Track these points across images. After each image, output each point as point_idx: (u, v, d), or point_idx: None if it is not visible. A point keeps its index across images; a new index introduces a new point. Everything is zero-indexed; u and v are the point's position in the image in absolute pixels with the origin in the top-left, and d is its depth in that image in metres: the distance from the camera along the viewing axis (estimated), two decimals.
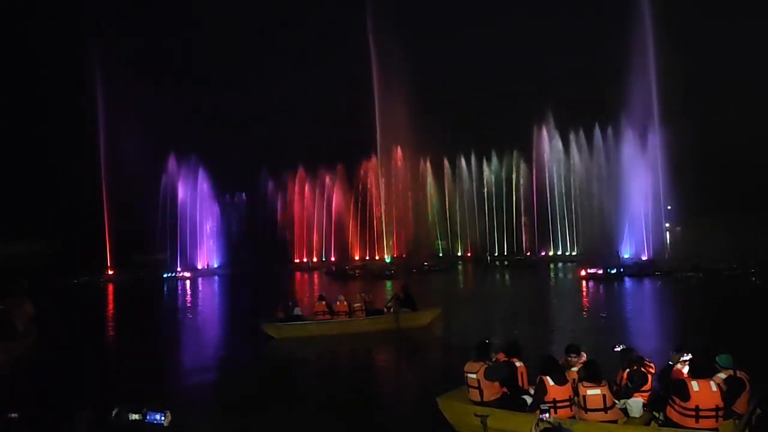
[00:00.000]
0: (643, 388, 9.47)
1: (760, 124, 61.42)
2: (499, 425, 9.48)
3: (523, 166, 72.37)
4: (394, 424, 12.10)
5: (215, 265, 68.72)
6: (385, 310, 22.98)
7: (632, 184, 57.65)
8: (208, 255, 69.89)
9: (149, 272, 58.03)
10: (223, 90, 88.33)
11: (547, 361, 9.64)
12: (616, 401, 9.23)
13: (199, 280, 57.54)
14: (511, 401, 10.05)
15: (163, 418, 4.95)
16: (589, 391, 8.97)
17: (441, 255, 72.21)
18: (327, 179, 75.35)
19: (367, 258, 72.50)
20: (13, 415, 6.07)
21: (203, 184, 69.50)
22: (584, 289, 37.92)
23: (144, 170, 68.71)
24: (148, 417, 4.98)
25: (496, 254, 70.81)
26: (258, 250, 73.13)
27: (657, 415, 9.05)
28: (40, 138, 77.12)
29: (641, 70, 56.69)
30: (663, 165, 55.60)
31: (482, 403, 10.01)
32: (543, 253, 68.25)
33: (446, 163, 75.78)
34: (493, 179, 74.62)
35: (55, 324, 27.49)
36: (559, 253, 67.57)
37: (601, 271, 42.41)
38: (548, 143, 68.91)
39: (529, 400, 9.86)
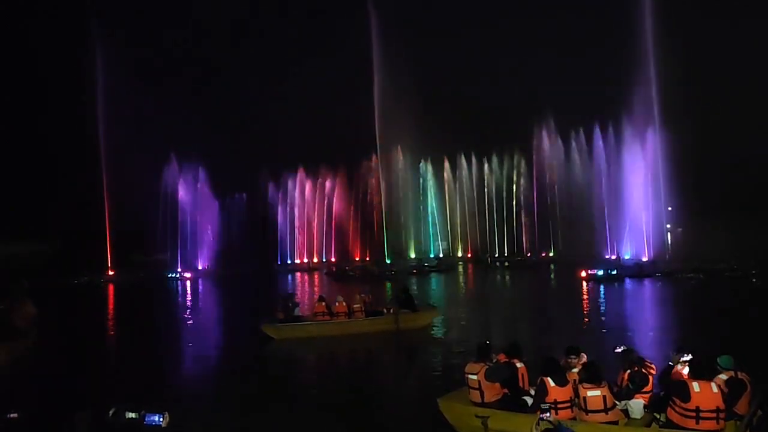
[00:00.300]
0: (644, 390, 9.45)
1: (760, 124, 61.39)
2: (499, 426, 9.47)
3: (523, 166, 72.36)
4: (395, 424, 12.08)
5: (215, 266, 68.68)
6: (385, 311, 22.96)
7: (632, 185, 57.62)
8: (208, 255, 69.87)
9: (150, 272, 58.05)
10: (224, 90, 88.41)
11: (548, 362, 9.63)
12: (617, 402, 9.21)
13: (200, 280, 57.52)
14: (512, 402, 10.03)
15: (161, 419, 4.92)
16: (590, 393, 8.95)
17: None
18: (327, 180, 75.36)
19: (368, 258, 72.50)
20: (12, 415, 6.05)
21: (203, 185, 69.54)
22: (584, 290, 37.90)
23: (144, 171, 68.83)
24: (146, 418, 4.96)
25: (497, 255, 70.79)
26: (258, 250, 73.17)
27: (658, 416, 9.03)
28: (40, 138, 77.13)
29: (641, 70, 56.68)
30: (663, 166, 55.59)
31: (483, 404, 9.99)
32: (543, 254, 68.24)
33: (446, 163, 75.77)
34: (493, 180, 74.60)
35: (55, 324, 27.50)
36: (559, 253, 67.51)
37: (601, 272, 42.41)
38: (548, 144, 68.91)
39: (529, 401, 9.85)
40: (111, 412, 5.22)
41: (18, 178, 74.73)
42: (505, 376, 10.22)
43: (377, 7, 75.61)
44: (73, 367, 18.18)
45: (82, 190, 72.74)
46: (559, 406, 9.10)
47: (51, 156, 75.59)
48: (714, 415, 8.20)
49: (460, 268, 59.33)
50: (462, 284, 47.39)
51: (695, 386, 8.27)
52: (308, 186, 75.92)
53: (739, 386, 9.02)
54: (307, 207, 75.77)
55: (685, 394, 8.28)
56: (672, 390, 8.64)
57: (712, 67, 64.87)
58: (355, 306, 22.81)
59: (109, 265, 60.97)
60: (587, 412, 8.97)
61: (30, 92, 78.88)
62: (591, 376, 9.13)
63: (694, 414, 8.21)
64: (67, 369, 17.92)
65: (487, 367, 10.16)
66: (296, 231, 75.86)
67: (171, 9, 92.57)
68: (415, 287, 38.88)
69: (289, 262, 73.93)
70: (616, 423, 8.97)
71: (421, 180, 76.15)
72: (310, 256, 74.91)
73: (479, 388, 10.09)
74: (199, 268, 66.69)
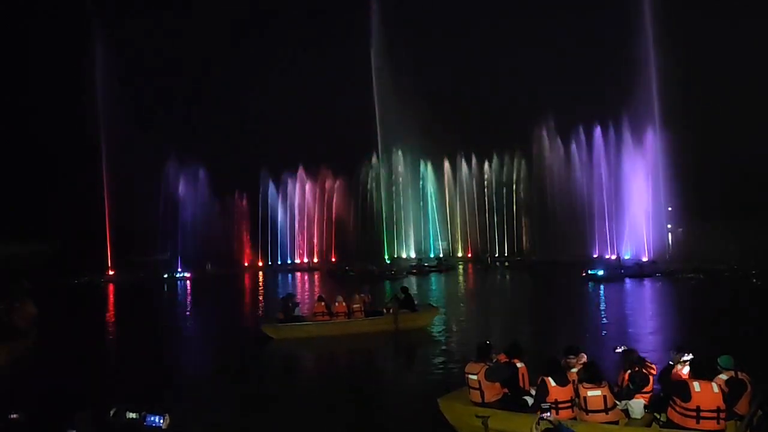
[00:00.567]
0: (645, 390, 9.45)
1: (760, 124, 61.38)
2: (500, 426, 9.47)
3: (523, 166, 72.35)
4: (395, 424, 12.07)
5: (215, 266, 68.64)
6: (384, 310, 22.95)
7: (633, 185, 57.62)
8: (208, 255, 69.81)
9: (150, 272, 58.00)
10: (224, 89, 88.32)
11: (549, 362, 9.64)
12: (617, 402, 9.22)
13: (199, 280, 57.50)
14: (513, 402, 10.03)
15: (161, 420, 4.92)
16: (590, 392, 8.95)
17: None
18: (327, 179, 75.37)
19: (368, 259, 72.46)
20: (13, 415, 6.05)
21: (203, 184, 69.54)
22: (584, 289, 37.91)
23: (145, 171, 68.86)
24: (147, 419, 4.96)
25: (496, 255, 70.78)
26: (258, 250, 73.23)
27: (658, 416, 9.04)
28: (39, 138, 77.09)
29: (641, 70, 56.69)
30: (663, 166, 55.58)
31: (483, 404, 10.00)
32: (543, 253, 68.17)
33: (446, 163, 75.77)
34: (493, 180, 74.60)
35: (55, 324, 27.49)
36: (559, 253, 67.46)
37: (601, 272, 42.42)
38: (548, 144, 68.90)
39: (530, 401, 9.85)
40: (112, 412, 5.22)
41: (18, 178, 74.72)
42: (506, 376, 10.22)
43: (378, 7, 75.81)
44: (73, 367, 18.16)
45: (82, 190, 72.67)
46: (560, 405, 9.11)
47: (51, 156, 75.52)
48: (715, 414, 8.19)
49: (460, 268, 59.30)
50: (462, 284, 47.39)
51: (696, 386, 8.27)
52: (308, 186, 75.91)
53: (740, 386, 9.02)
54: (307, 207, 75.74)
55: (686, 393, 8.28)
56: (672, 390, 8.64)
57: (712, 67, 64.83)
58: (354, 306, 22.79)
59: (109, 265, 60.95)
60: (587, 412, 8.97)
61: (30, 92, 78.87)
62: (591, 376, 9.13)
63: (694, 414, 8.21)
64: (67, 369, 17.90)
65: (487, 367, 10.16)
66: (296, 231, 75.83)
67: (171, 8, 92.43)
68: (414, 287, 38.89)
69: (289, 261, 73.90)
70: (616, 423, 8.97)
71: (421, 180, 76.14)
72: (310, 256, 74.87)
73: (479, 388, 10.09)
74: (199, 267, 66.63)
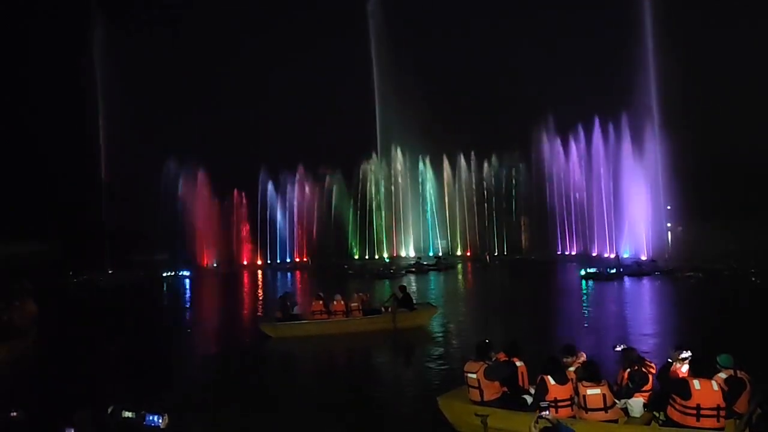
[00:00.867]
0: (644, 388, 9.46)
1: (760, 124, 61.44)
2: (499, 425, 9.48)
3: (522, 165, 72.32)
4: (394, 423, 12.08)
5: (215, 264, 68.63)
6: (383, 309, 22.94)
7: (632, 184, 57.61)
8: (207, 254, 69.81)
9: (149, 271, 57.95)
10: (223, 88, 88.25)
11: (548, 361, 9.65)
12: (617, 401, 9.23)
13: (199, 279, 57.46)
14: (512, 401, 10.04)
15: (160, 420, 4.92)
16: (589, 391, 8.97)
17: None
18: (326, 178, 75.29)
19: (367, 257, 72.49)
20: (13, 413, 6.05)
21: (203, 183, 69.46)
22: (584, 288, 37.90)
23: (144, 169, 68.84)
24: (146, 419, 4.96)
25: (496, 254, 70.76)
26: (257, 249, 73.21)
27: (658, 415, 9.05)
28: (39, 138, 77.09)
29: (641, 69, 56.68)
30: (663, 165, 55.56)
31: (482, 403, 10.01)
32: (542, 252, 68.18)
33: (446, 162, 75.73)
34: (492, 178, 74.55)
35: (55, 323, 27.49)
36: (559, 252, 67.50)
37: (600, 271, 42.41)
38: (547, 142, 68.86)
39: (529, 399, 9.87)
40: (109, 411, 5.22)
41: (17, 178, 74.75)
42: (505, 374, 10.23)
43: (377, 6, 75.81)
44: (73, 366, 18.17)
45: (81, 190, 72.77)
46: (560, 404, 9.12)
47: (50, 156, 75.57)
48: (715, 413, 8.21)
49: (459, 267, 59.25)
50: (460, 283, 47.36)
51: (696, 384, 8.29)
52: (307, 184, 75.84)
53: (739, 385, 9.03)
54: (306, 205, 75.67)
55: (686, 391, 8.29)
56: (672, 388, 8.65)
57: (711, 67, 64.93)
58: (352, 305, 22.80)
59: (109, 264, 60.82)
60: (587, 410, 8.98)
61: (29, 92, 78.86)
62: (590, 375, 9.15)
63: (694, 412, 8.22)
64: (67, 368, 17.91)
65: (486, 365, 10.18)
66: (295, 229, 75.76)
67: (170, 7, 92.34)
68: (413, 286, 38.88)
69: (288, 260, 73.85)
70: (615, 421, 8.99)
71: (420, 179, 76.10)
72: (310, 255, 74.81)
73: (479, 387, 10.11)
74: (198, 266, 66.61)
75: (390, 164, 74.91)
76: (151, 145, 68.35)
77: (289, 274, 59.54)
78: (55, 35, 77.76)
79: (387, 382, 16.06)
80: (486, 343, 10.77)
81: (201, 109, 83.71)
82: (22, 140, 75.95)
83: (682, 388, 8.40)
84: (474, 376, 10.16)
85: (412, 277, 47.49)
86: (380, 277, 47.23)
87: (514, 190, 73.42)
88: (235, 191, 73.82)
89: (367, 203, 74.62)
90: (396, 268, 53.70)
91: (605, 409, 8.96)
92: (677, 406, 8.40)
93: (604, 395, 8.97)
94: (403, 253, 73.05)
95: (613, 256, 54.92)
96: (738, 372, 9.25)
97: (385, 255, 72.56)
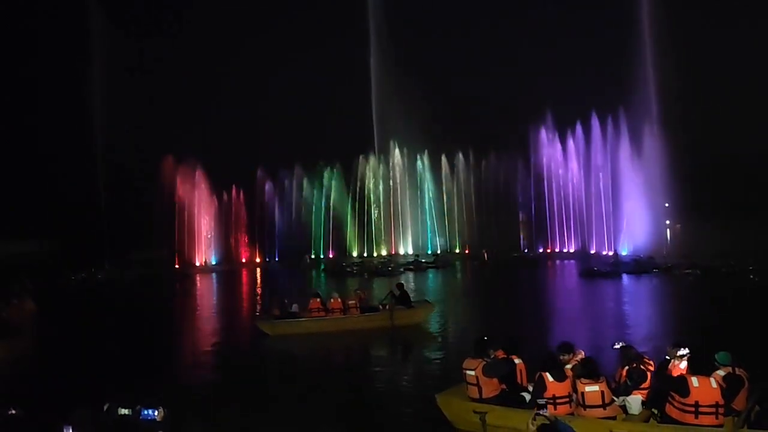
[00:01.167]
0: (643, 386, 9.45)
1: (759, 122, 61.52)
2: (497, 422, 9.47)
3: (520, 162, 72.24)
4: (393, 421, 12.06)
5: (213, 262, 68.55)
6: (380, 307, 22.91)
7: (630, 182, 57.61)
8: (205, 252, 69.72)
9: (147, 269, 57.90)
10: (221, 86, 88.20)
11: (547, 358, 9.64)
12: (615, 398, 9.22)
13: (197, 277, 57.43)
14: (510, 398, 10.03)
15: (156, 413, 4.91)
16: (588, 388, 8.96)
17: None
18: (324, 176, 75.21)
19: (365, 255, 72.45)
20: (12, 411, 6.04)
21: (201, 181, 69.31)
22: (582, 285, 37.93)
23: (142, 168, 68.84)
24: (141, 413, 4.94)
25: (494, 251, 70.71)
26: (255, 246, 73.12)
27: (656, 412, 9.04)
28: (38, 136, 77.17)
29: (640, 67, 56.68)
30: (662, 162, 55.50)
31: (481, 400, 10.00)
32: (540, 250, 68.23)
33: (444, 159, 75.66)
34: (491, 176, 74.42)
35: (53, 321, 27.48)
36: (557, 249, 67.51)
37: (598, 268, 42.43)
38: (546, 139, 68.79)
39: (527, 397, 9.85)
40: (105, 408, 5.21)
41: (16, 177, 74.82)
42: (504, 371, 10.22)
43: (376, 5, 75.73)
44: (71, 363, 18.15)
45: (80, 189, 72.78)
46: (558, 401, 9.12)
47: (49, 155, 75.67)
48: (713, 410, 8.20)
49: (457, 265, 59.21)
50: (459, 280, 47.36)
51: (694, 381, 8.28)
52: (305, 182, 75.75)
53: (737, 382, 9.02)
54: (304, 203, 75.60)
55: (684, 389, 8.28)
56: (671, 385, 8.64)
57: (711, 65, 65.03)
58: (350, 302, 22.76)
59: (107, 262, 60.72)
60: (585, 407, 8.97)
61: (29, 92, 78.97)
62: (589, 372, 9.14)
63: (693, 409, 8.22)
64: (65, 366, 17.89)
65: (485, 362, 10.16)
66: (293, 227, 75.67)
67: (169, 6, 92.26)
68: (412, 283, 38.87)
69: (286, 258, 73.76)
70: (613, 419, 8.98)
71: (418, 176, 76.01)
72: (308, 253, 74.72)
73: (477, 384, 10.10)
74: (197, 264, 66.53)
75: (388, 162, 74.82)
76: (150, 143, 68.41)
77: (287, 272, 59.47)
78: (55, 35, 77.81)
79: (385, 380, 16.03)
80: (484, 341, 10.75)
81: (199, 107, 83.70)
82: (21, 140, 76.03)
83: (681, 385, 8.39)
84: (472, 373, 10.15)
85: (410, 275, 47.48)
86: (378, 275, 47.21)
87: (512, 188, 73.30)
88: (233, 188, 73.71)
89: (366, 201, 74.53)
90: (394, 265, 53.65)
91: (603, 406, 8.95)
92: (676, 404, 8.39)
93: (602, 392, 8.97)
94: (401, 251, 72.97)
95: (611, 253, 54.94)
96: (736, 369, 9.24)
97: (384, 252, 72.51)
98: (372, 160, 74.72)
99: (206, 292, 45.53)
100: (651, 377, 9.64)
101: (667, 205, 58.24)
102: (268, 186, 75.69)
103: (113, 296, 41.19)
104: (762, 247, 41.58)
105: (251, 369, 17.60)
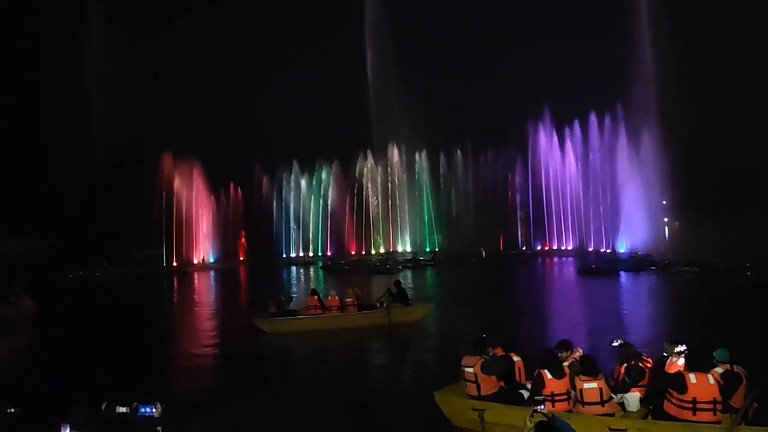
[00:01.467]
0: (641, 383, 9.46)
1: (757, 120, 61.64)
2: (496, 419, 9.49)
3: (519, 160, 72.25)
4: (391, 419, 12.05)
5: (210, 260, 68.52)
6: (378, 305, 22.90)
7: (628, 179, 57.63)
8: (203, 250, 69.68)
9: (145, 268, 57.90)
10: (220, 86, 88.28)
11: (545, 356, 9.65)
12: (613, 395, 9.23)
13: (195, 274, 57.42)
14: (509, 395, 10.04)
15: (153, 410, 4.91)
16: (586, 385, 8.97)
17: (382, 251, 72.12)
18: (323, 174, 75.19)
19: (363, 252, 72.45)
20: (11, 410, 6.03)
21: (198, 179, 69.23)
22: (580, 283, 37.97)
23: (141, 166, 68.86)
24: (139, 410, 4.94)
25: (492, 249, 70.76)
26: (253, 244, 73.07)
27: (652, 409, 9.06)
28: (36, 135, 77.17)
29: (638, 63, 56.69)
30: (659, 160, 55.54)
31: (479, 398, 10.01)
32: (538, 248, 68.32)
33: (442, 157, 75.69)
34: (489, 173, 74.43)
35: (51, 319, 27.44)
36: (555, 247, 67.60)
37: (595, 266, 42.47)
38: (544, 137, 68.81)
39: (526, 394, 9.86)
40: (103, 407, 5.21)
41: (16, 177, 74.86)
42: (502, 369, 10.23)
43: (375, 3, 75.74)
44: (68, 361, 18.12)
45: (77, 187, 72.80)
46: (556, 398, 9.12)
47: (49, 154, 75.68)
48: (711, 406, 8.21)
49: (455, 262, 59.21)
50: (456, 278, 47.36)
51: (692, 377, 8.28)
52: (303, 179, 75.74)
53: (735, 379, 9.03)
54: (302, 201, 75.60)
55: (682, 385, 8.28)
56: (669, 382, 8.64)
57: (709, 62, 65.21)
58: (347, 300, 22.74)
59: (104, 260, 60.68)
60: (584, 404, 8.99)
61: (28, 92, 79.02)
62: (588, 369, 9.15)
63: (690, 405, 8.22)
64: (62, 363, 17.86)
65: (483, 360, 10.17)
66: (291, 225, 75.70)
67: (168, 4, 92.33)
68: (410, 281, 38.89)
69: (284, 256, 73.78)
70: (612, 415, 8.99)
71: (416, 174, 75.99)
72: (306, 250, 74.75)
73: (476, 381, 10.11)
74: (194, 262, 66.52)
75: (386, 160, 74.80)
76: (147, 141, 68.40)
77: (285, 270, 59.50)
78: (54, 35, 77.80)
79: (382, 378, 16.02)
80: (483, 338, 10.78)
81: (197, 105, 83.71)
82: (20, 139, 76.03)
83: (678, 381, 8.40)
84: (471, 370, 10.16)
85: (409, 273, 47.50)
86: (376, 273, 47.20)
87: (510, 186, 73.34)
88: (231, 186, 73.71)
89: (364, 199, 74.50)
90: (392, 263, 53.66)
91: (602, 403, 8.97)
92: (674, 400, 8.40)
93: (600, 389, 8.98)
94: (399, 249, 72.99)
95: (609, 251, 55.00)
96: (734, 367, 9.25)
97: (382, 250, 72.52)
98: (370, 157, 74.66)
99: (204, 290, 45.49)
100: (649, 374, 9.65)
101: (664, 202, 58.31)
102: (266, 184, 75.66)
103: (111, 294, 41.11)
104: (759, 244, 41.65)
105: (248, 367, 17.57)
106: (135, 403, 5.00)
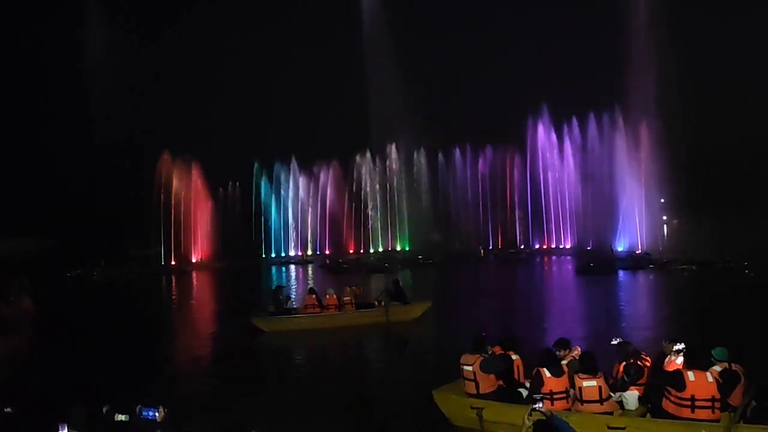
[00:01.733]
0: (639, 382, 9.48)
1: (755, 118, 61.62)
2: (494, 418, 9.50)
3: (517, 159, 72.25)
4: (389, 417, 12.05)
5: (209, 259, 68.50)
6: (376, 303, 22.90)
7: (627, 177, 57.64)
8: (202, 249, 69.65)
9: (144, 267, 57.91)
10: (219, 86, 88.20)
11: (544, 354, 9.66)
12: (612, 394, 9.25)
13: (193, 273, 57.44)
14: (507, 394, 10.05)
15: (156, 414, 4.91)
16: (585, 383, 8.98)
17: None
18: (321, 172, 75.20)
19: (362, 251, 72.46)
20: (7, 409, 6.03)
21: (197, 178, 69.22)
22: (578, 282, 38.00)
23: (140, 166, 68.83)
24: (142, 414, 4.95)
25: (490, 247, 70.81)
26: (251, 243, 73.09)
27: (650, 407, 9.08)
28: (35, 135, 77.16)
29: (636, 61, 56.65)
30: (657, 158, 55.55)
31: (478, 396, 10.03)
32: (537, 246, 68.38)
33: (440, 156, 75.71)
34: (487, 172, 74.44)
35: (50, 319, 27.43)
36: (553, 246, 67.66)
37: (594, 264, 42.50)
38: (542, 136, 68.81)
39: (525, 393, 9.87)
40: (105, 410, 5.21)
41: (16, 176, 74.83)
42: (501, 368, 10.25)
43: (373, 2, 75.82)
44: (67, 361, 18.11)
45: (76, 187, 72.80)
46: (555, 396, 9.13)
47: (48, 154, 75.65)
48: (709, 404, 8.22)
49: (454, 261, 59.22)
50: (455, 277, 47.36)
51: (690, 375, 8.30)
52: (302, 178, 75.74)
53: (733, 378, 9.04)
54: (300, 199, 75.62)
55: (681, 383, 8.30)
56: (667, 379, 8.66)
57: (708, 60, 65.19)
58: (345, 298, 22.73)
59: (102, 259, 60.69)
60: (582, 402, 9.00)
61: (28, 93, 79.00)
62: (587, 367, 9.17)
63: (689, 403, 8.24)
64: (61, 363, 17.86)
65: (482, 358, 10.19)
66: (290, 223, 75.72)
67: (168, 5, 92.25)
68: (408, 280, 38.88)
69: (283, 254, 73.81)
70: (611, 414, 9.00)
71: (415, 172, 75.98)
72: (304, 249, 74.78)
73: (474, 380, 10.13)
74: (193, 261, 66.52)
75: (385, 159, 74.81)
76: (146, 139, 68.38)
77: (284, 268, 59.54)
78: (55, 35, 77.79)
79: (381, 376, 16.03)
80: (482, 337, 10.80)
81: (196, 103, 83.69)
82: (20, 139, 76.04)
83: (677, 379, 8.42)
84: (470, 368, 10.18)
85: (407, 272, 47.52)
86: (375, 272, 47.21)
87: (508, 184, 73.35)
88: (229, 184, 73.73)
89: (362, 197, 74.52)
90: (391, 262, 53.68)
91: (601, 401, 8.98)
92: (672, 398, 8.41)
93: (600, 387, 8.99)
94: (398, 247, 73.02)
95: (607, 249, 55.02)
96: (732, 365, 9.27)
97: (380, 249, 72.54)
98: (369, 156, 74.65)
99: (203, 289, 45.49)
100: (648, 373, 9.67)
101: (662, 200, 58.32)
102: (264, 183, 75.68)
103: (109, 294, 41.10)
104: (757, 243, 41.68)
105: (247, 366, 17.58)
106: (138, 407, 5.00)
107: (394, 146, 74.22)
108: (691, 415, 8.23)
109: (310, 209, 75.36)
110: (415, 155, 75.52)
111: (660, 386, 8.82)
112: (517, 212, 72.81)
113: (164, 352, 20.23)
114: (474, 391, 10.13)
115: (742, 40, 66.91)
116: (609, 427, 8.68)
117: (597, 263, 42.88)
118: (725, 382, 8.67)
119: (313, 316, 22.14)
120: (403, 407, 12.52)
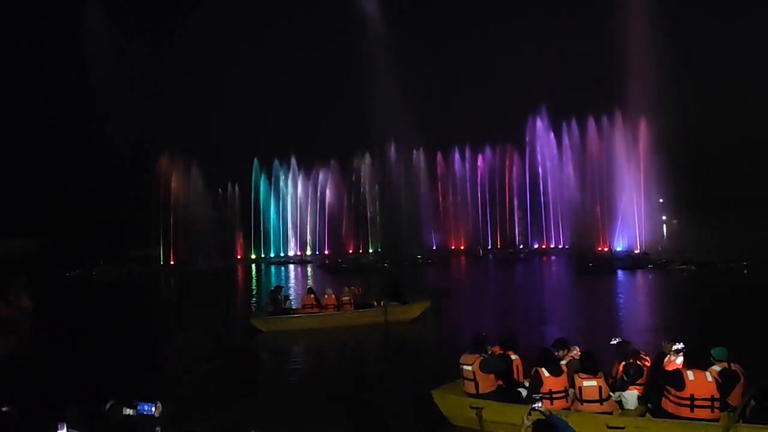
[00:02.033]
0: (639, 382, 9.48)
1: (755, 118, 61.67)
2: (494, 417, 9.50)
3: (516, 159, 72.32)
4: (388, 417, 12.06)
5: (208, 259, 68.45)
6: (375, 303, 22.89)
7: (625, 177, 57.68)
8: (201, 248, 69.60)
9: (143, 266, 57.90)
10: (219, 86, 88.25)
11: (542, 353, 9.66)
12: (612, 393, 9.25)
13: (193, 273, 57.41)
14: (507, 394, 10.05)
15: (153, 409, 4.90)
16: (585, 383, 8.98)
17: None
18: (321, 172, 75.25)
19: (361, 251, 72.49)
20: (4, 408, 6.01)
21: (197, 178, 69.26)
22: (577, 281, 37.99)
23: (140, 165, 68.88)
24: (139, 408, 4.94)
25: (489, 247, 70.86)
26: (251, 243, 73.11)
27: (650, 407, 9.08)
28: (35, 135, 77.14)
29: (637, 63, 56.69)
30: (655, 158, 55.59)
31: (478, 396, 10.03)
32: (536, 246, 68.44)
33: (439, 155, 75.79)
34: (487, 172, 74.51)
35: (49, 318, 27.40)
36: (552, 245, 67.71)
37: (592, 264, 42.52)
38: (541, 136, 68.88)
39: (524, 392, 9.87)
40: (108, 406, 5.19)
41: (16, 176, 74.82)
42: (501, 368, 10.24)
43: (373, 2, 75.90)
44: (66, 360, 18.10)
45: (76, 186, 72.80)
46: (554, 396, 9.13)
47: (48, 155, 75.64)
48: (709, 403, 8.23)
49: (453, 261, 59.26)
50: (454, 276, 47.38)
51: (690, 374, 8.30)
52: (301, 178, 75.80)
53: (733, 377, 9.05)
54: (300, 199, 75.66)
55: (680, 382, 8.30)
56: (666, 379, 8.66)
57: (707, 60, 65.27)
58: (344, 298, 22.72)
59: (102, 259, 60.70)
60: (582, 402, 9.00)
61: (27, 93, 78.96)
62: (587, 367, 9.17)
63: (688, 402, 8.24)
64: (60, 362, 17.85)
65: (482, 358, 10.19)
66: (289, 223, 75.77)
67: (168, 5, 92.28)
68: (408, 280, 38.86)
69: (282, 254, 73.82)
70: (610, 413, 9.01)
71: (414, 172, 76.03)
72: (303, 249, 74.81)
73: (474, 379, 10.12)
74: (193, 260, 66.50)
75: (384, 158, 74.87)
76: (145, 139, 68.37)
77: (283, 268, 59.53)
78: (56, 35, 77.80)
79: (380, 376, 16.01)
80: (482, 336, 10.79)
81: (197, 108, 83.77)
82: (20, 139, 76.04)
83: (676, 378, 8.42)
84: (469, 368, 10.17)
85: (406, 271, 47.48)
86: (374, 271, 47.18)
87: (507, 184, 73.41)
88: (228, 184, 73.74)
89: (362, 197, 74.56)
90: (390, 261, 53.68)
91: (600, 401, 8.98)
92: (671, 398, 8.41)
93: (600, 387, 8.99)
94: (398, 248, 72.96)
95: (606, 249, 55.06)
96: (732, 365, 9.27)
97: (379, 249, 72.58)
98: (368, 156, 74.70)
99: (202, 288, 45.45)
100: (647, 373, 9.67)
101: (661, 200, 58.37)
102: (264, 183, 75.69)
103: (108, 293, 41.08)
104: (756, 242, 41.72)
105: (246, 367, 17.57)
106: (135, 402, 4.99)
107: (393, 146, 74.29)
108: (691, 415, 8.23)
109: (309, 209, 75.36)
110: (415, 154, 75.56)
111: (659, 386, 8.81)
112: (516, 212, 72.87)
113: (164, 352, 20.22)
114: (473, 391, 10.13)
115: (742, 40, 67.01)
116: (608, 427, 8.68)
117: (596, 263, 42.89)
118: (724, 382, 8.67)
119: (311, 316, 22.13)
120: (402, 407, 12.52)
